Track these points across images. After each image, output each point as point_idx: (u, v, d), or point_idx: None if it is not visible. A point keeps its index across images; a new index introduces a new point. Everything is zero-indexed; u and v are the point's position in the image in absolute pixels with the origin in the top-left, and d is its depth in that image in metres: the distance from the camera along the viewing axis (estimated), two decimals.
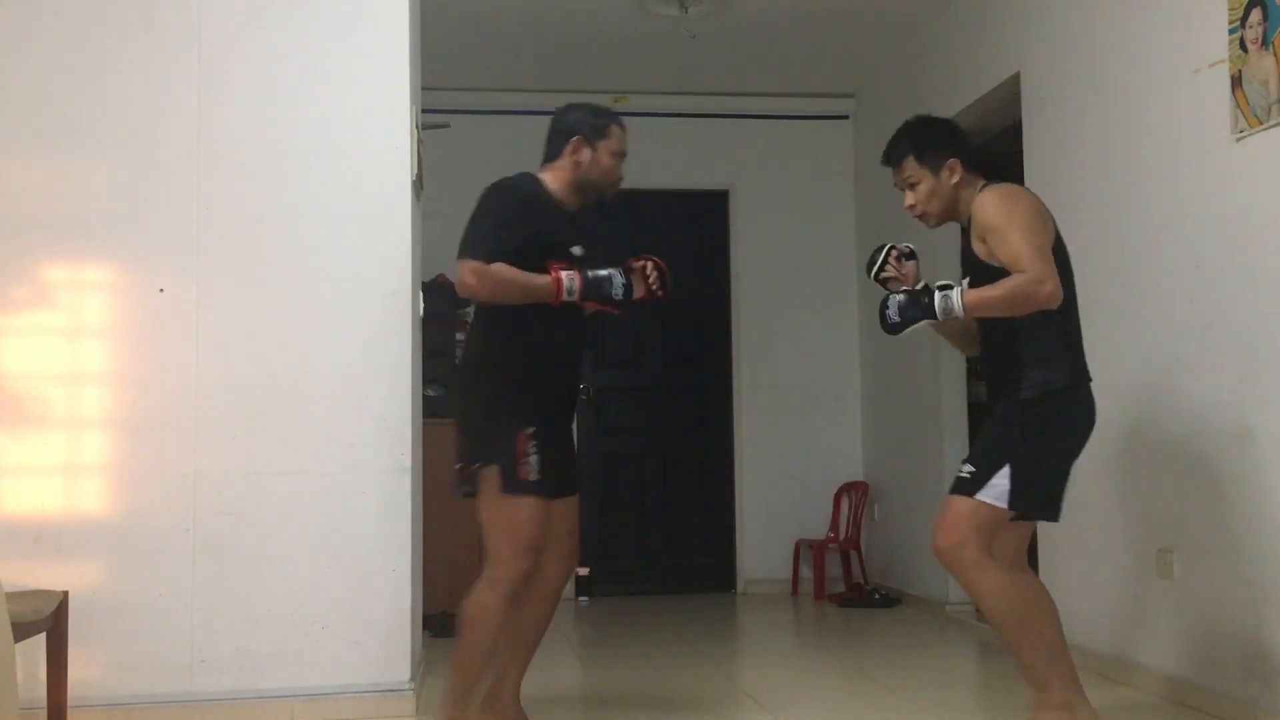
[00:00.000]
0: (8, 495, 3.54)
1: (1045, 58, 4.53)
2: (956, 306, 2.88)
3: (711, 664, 4.54)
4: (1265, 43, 3.22)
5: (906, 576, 5.93)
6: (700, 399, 6.71)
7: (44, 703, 3.22)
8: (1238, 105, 3.33)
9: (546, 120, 6.05)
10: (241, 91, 3.71)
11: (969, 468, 2.90)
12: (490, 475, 2.89)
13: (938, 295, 2.90)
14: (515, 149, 6.50)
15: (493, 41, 5.76)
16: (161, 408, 3.60)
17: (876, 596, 5.89)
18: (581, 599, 6.34)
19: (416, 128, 3.92)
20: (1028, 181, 4.65)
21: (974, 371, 5.96)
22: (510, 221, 2.94)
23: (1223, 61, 3.39)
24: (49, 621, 3.18)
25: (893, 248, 3.14)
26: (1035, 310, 2.84)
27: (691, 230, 6.70)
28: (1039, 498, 2.92)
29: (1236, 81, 3.33)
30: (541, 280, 2.91)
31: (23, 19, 3.64)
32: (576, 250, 3.06)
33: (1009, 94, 4.85)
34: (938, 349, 5.53)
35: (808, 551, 6.34)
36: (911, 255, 3.15)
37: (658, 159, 6.62)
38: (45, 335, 3.62)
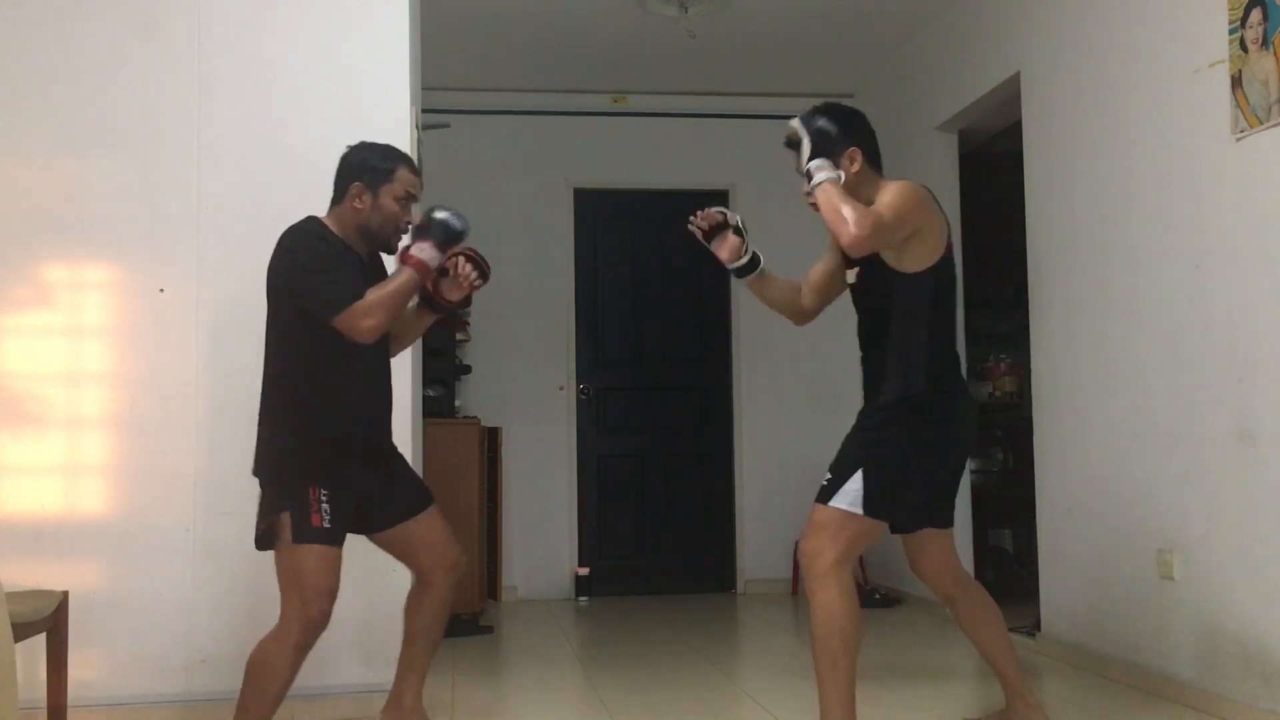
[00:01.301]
0: (8, 495, 3.54)
1: (1045, 58, 4.53)
2: (817, 173, 2.84)
3: (711, 664, 4.54)
4: (1265, 43, 3.22)
5: (906, 576, 5.91)
6: (700, 399, 6.71)
7: (44, 703, 3.22)
8: (1238, 105, 3.33)
9: (547, 120, 6.06)
10: (241, 91, 3.71)
11: (828, 475, 2.88)
12: (283, 523, 2.77)
13: (819, 160, 2.86)
14: (515, 149, 6.59)
15: (493, 41, 5.76)
16: (161, 408, 3.60)
17: (876, 596, 5.89)
18: (581, 599, 6.34)
19: (416, 128, 3.91)
20: (1028, 182, 4.65)
21: (974, 373, 5.97)
22: (335, 262, 2.81)
23: (1223, 61, 3.39)
24: (49, 621, 3.18)
25: (721, 211, 3.18)
26: (834, 236, 2.81)
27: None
28: (893, 504, 2.88)
29: (1236, 81, 3.33)
30: (405, 271, 2.80)
31: (23, 19, 3.64)
32: (404, 241, 2.93)
33: (1009, 94, 4.85)
34: None
35: None
36: (737, 230, 3.17)
37: (658, 159, 6.63)
38: (45, 335, 3.62)
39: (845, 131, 2.97)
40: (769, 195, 6.73)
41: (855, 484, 2.82)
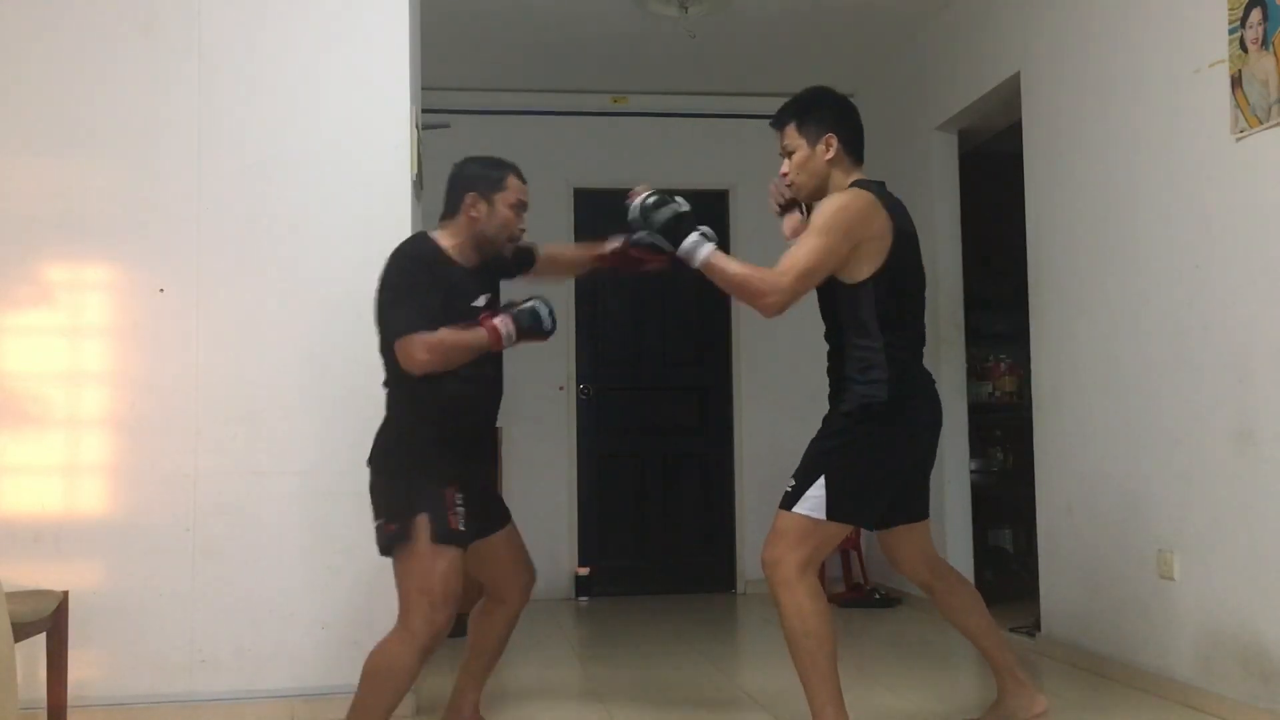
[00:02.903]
0: (8, 495, 3.55)
1: (1045, 58, 4.53)
2: (698, 256, 2.86)
3: (711, 664, 4.54)
4: (1265, 43, 3.22)
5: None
6: (700, 399, 6.70)
7: (44, 703, 3.22)
8: (1238, 105, 3.33)
9: (547, 120, 6.08)
10: (241, 91, 3.71)
11: (791, 481, 2.90)
12: (419, 525, 2.82)
13: (693, 236, 2.87)
14: (515, 149, 6.53)
15: (493, 41, 5.76)
16: (161, 408, 3.60)
17: (876, 596, 5.89)
18: (581, 599, 6.34)
19: (416, 128, 3.92)
20: (1028, 182, 4.65)
21: (974, 373, 5.97)
22: (419, 290, 2.89)
23: (1223, 61, 3.39)
24: (49, 621, 3.18)
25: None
26: (747, 304, 2.86)
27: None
28: (856, 507, 2.90)
29: (1236, 81, 3.33)
30: (481, 334, 2.87)
31: (23, 19, 3.64)
32: (479, 302, 2.99)
33: (1009, 94, 4.85)
34: (938, 350, 5.53)
35: None
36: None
37: (658, 159, 6.62)
38: (45, 335, 3.62)
39: (828, 118, 2.99)
40: (768, 196, 6.72)
41: (818, 490, 2.84)
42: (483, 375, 3.01)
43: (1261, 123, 3.24)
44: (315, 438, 3.64)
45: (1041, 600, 4.54)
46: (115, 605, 3.51)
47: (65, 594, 3.28)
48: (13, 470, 3.56)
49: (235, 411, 3.62)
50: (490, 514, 3.11)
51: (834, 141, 2.97)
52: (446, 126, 5.60)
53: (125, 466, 3.59)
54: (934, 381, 3.07)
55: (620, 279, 6.63)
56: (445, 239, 3.02)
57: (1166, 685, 3.65)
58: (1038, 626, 4.58)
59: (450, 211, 3.05)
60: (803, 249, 2.80)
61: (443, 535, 2.82)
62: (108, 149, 3.65)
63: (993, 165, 5.40)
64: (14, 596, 3.01)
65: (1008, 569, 5.92)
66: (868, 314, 2.88)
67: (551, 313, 2.99)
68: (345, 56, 3.78)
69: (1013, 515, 5.93)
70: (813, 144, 2.98)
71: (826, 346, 3.05)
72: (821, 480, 2.84)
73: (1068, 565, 4.32)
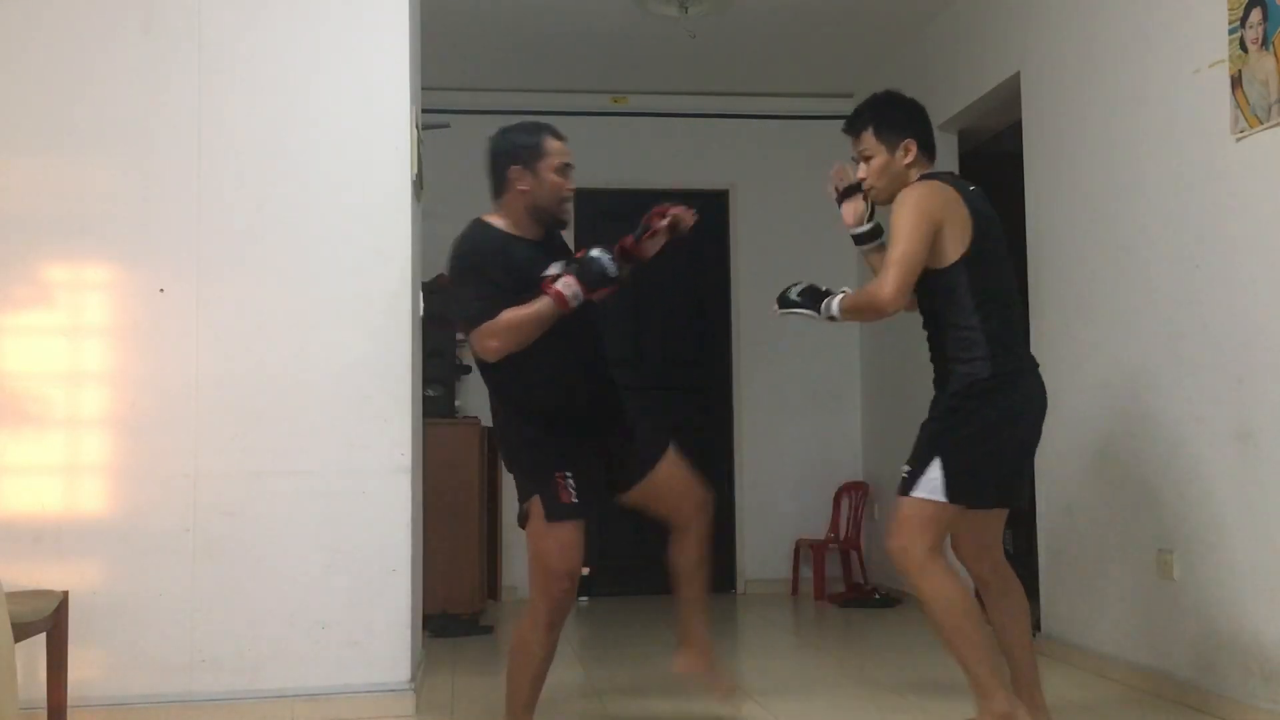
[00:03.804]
0: (8, 495, 3.54)
1: (1045, 58, 4.53)
2: (835, 310, 2.98)
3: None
4: (1265, 43, 3.22)
5: None
6: (700, 399, 6.70)
7: (44, 703, 3.22)
8: (1238, 105, 3.33)
9: (546, 120, 6.03)
10: (241, 91, 3.71)
11: (906, 467, 2.91)
12: (535, 505, 2.95)
13: (824, 301, 3.01)
14: None
15: (493, 41, 5.76)
16: (161, 408, 3.60)
17: (876, 596, 5.89)
18: (581, 599, 6.34)
19: (416, 128, 3.92)
20: (1028, 182, 4.65)
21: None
22: (486, 277, 2.92)
23: (1223, 61, 3.39)
24: (49, 621, 3.18)
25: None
26: (876, 319, 2.95)
27: (692, 230, 6.68)
28: (974, 486, 2.90)
29: (1236, 81, 3.33)
30: (544, 302, 2.88)
31: (23, 19, 3.64)
32: (554, 269, 3.00)
33: (1009, 94, 4.85)
34: None
35: (808, 551, 6.34)
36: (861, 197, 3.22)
37: (658, 159, 6.62)
38: (45, 335, 3.62)
39: (905, 122, 3.05)
40: (769, 195, 6.73)
41: (934, 472, 2.84)
42: (573, 346, 3.02)
43: (1261, 123, 3.24)
44: (315, 438, 3.64)
45: (1041, 600, 4.54)
46: (115, 605, 3.51)
47: (65, 594, 3.28)
48: (13, 470, 3.56)
49: (235, 411, 3.62)
50: (635, 461, 3.14)
51: (913, 146, 3.03)
52: (446, 126, 5.60)
53: (125, 466, 3.59)
54: (1038, 365, 3.05)
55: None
56: (501, 219, 3.05)
57: (1167, 685, 3.65)
58: (1038, 626, 4.57)
59: (498, 190, 3.05)
60: (893, 243, 2.87)
61: (555, 513, 2.92)
62: (108, 149, 3.65)
63: (993, 165, 5.40)
64: (14, 596, 3.00)
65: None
66: (962, 295, 2.91)
67: (614, 258, 2.98)
68: (345, 56, 3.78)
69: (1013, 515, 5.89)
70: (892, 149, 3.02)
71: (927, 336, 3.07)
72: (937, 462, 2.85)
73: (1068, 565, 4.32)
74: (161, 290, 3.63)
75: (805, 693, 3.98)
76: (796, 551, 6.42)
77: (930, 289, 2.95)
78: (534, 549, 2.97)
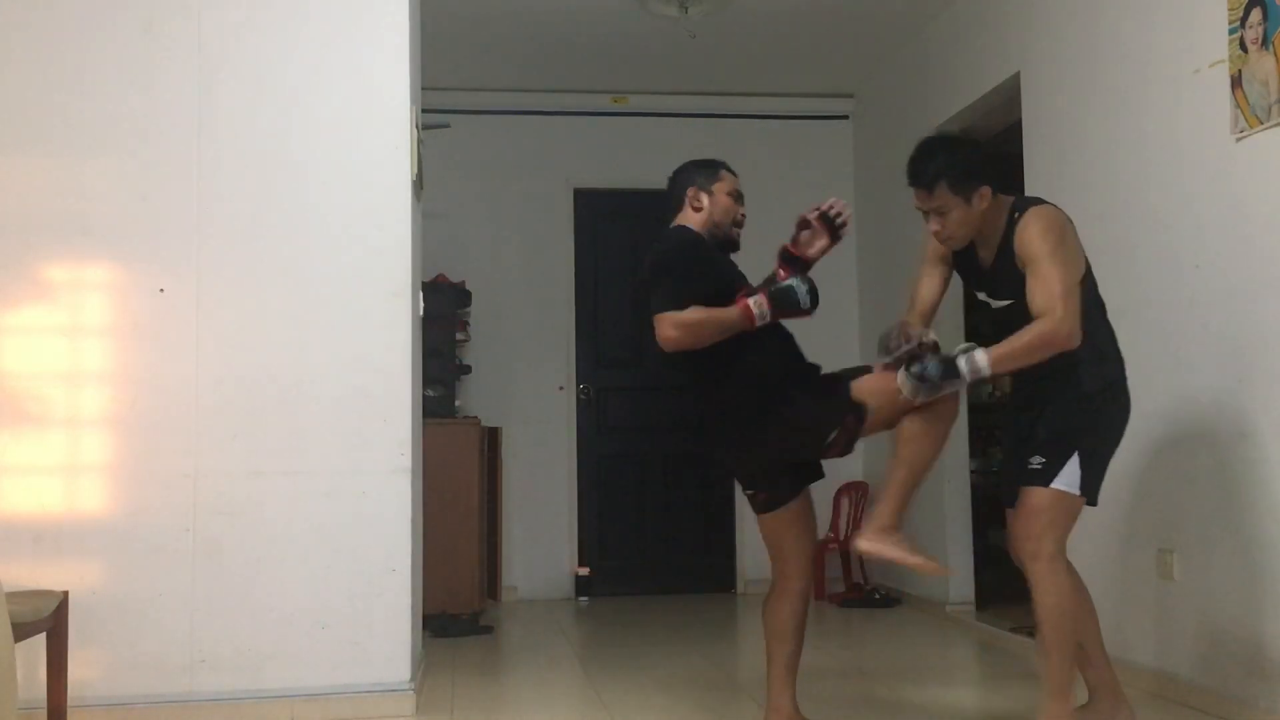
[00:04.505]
0: (8, 495, 3.54)
1: (1045, 58, 4.53)
2: (982, 368, 2.89)
3: (711, 663, 4.54)
4: (1265, 43, 3.22)
5: (906, 576, 5.92)
6: None
7: (44, 703, 3.22)
8: (1238, 105, 3.33)
9: (547, 120, 6.09)
10: (241, 91, 3.71)
11: (1039, 459, 2.92)
12: (756, 499, 3.15)
13: (961, 360, 2.91)
14: (515, 149, 6.58)
15: (493, 41, 5.76)
16: (161, 408, 3.60)
17: (876, 596, 5.89)
18: (581, 599, 6.34)
19: (416, 128, 3.91)
20: (1028, 181, 4.65)
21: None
22: (691, 271, 3.04)
23: (1223, 61, 3.39)
24: (49, 621, 3.18)
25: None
26: (1054, 353, 2.87)
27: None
28: (1099, 482, 2.97)
29: (1236, 81, 3.33)
30: (733, 312, 2.98)
31: (23, 18, 3.64)
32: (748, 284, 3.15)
33: (1009, 94, 4.84)
34: None
35: None
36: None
37: (658, 159, 6.59)
38: (45, 335, 3.62)
39: (978, 169, 2.99)
40: (768, 196, 6.72)
41: (1073, 466, 2.89)
42: (772, 346, 3.12)
43: (1261, 123, 3.24)
44: (315, 438, 3.64)
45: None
46: (115, 605, 3.51)
47: (65, 594, 3.28)
48: (13, 470, 3.56)
49: (235, 411, 3.62)
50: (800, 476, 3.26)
51: (988, 193, 2.98)
52: (447, 126, 5.60)
53: (125, 466, 3.59)
54: None
55: (618, 277, 6.65)
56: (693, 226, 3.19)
57: (1166, 685, 3.65)
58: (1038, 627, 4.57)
59: (675, 208, 3.24)
60: (1040, 278, 2.86)
61: (762, 505, 3.13)
62: (108, 149, 3.65)
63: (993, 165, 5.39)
64: (14, 596, 3.00)
65: (1008, 569, 5.91)
66: (1089, 306, 2.94)
67: (811, 290, 3.05)
68: (345, 56, 3.78)
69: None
70: (968, 200, 2.96)
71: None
72: (1075, 457, 2.89)
73: None
74: (161, 290, 3.63)
75: (805, 693, 3.98)
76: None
77: None
78: (764, 532, 3.22)
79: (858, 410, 2.95)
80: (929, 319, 3.24)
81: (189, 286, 3.64)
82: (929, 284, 3.24)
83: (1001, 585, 5.48)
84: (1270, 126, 3.20)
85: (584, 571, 6.40)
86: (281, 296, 3.68)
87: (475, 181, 6.41)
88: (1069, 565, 2.95)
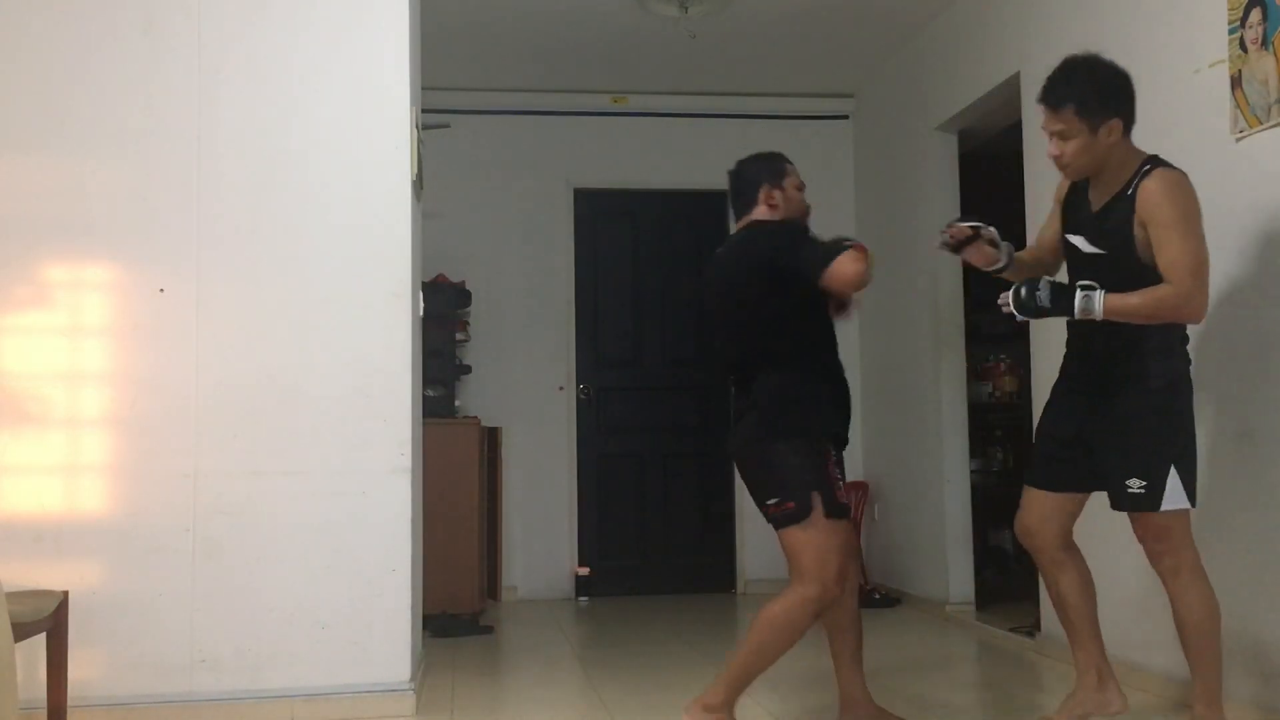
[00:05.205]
0: (8, 495, 3.55)
1: (1045, 58, 4.50)
2: (1096, 310, 2.80)
3: (711, 664, 4.54)
4: (1265, 43, 3.22)
5: (906, 576, 5.93)
6: (700, 399, 6.70)
7: (44, 703, 3.22)
8: (1238, 105, 3.33)
9: (547, 120, 6.08)
10: (241, 92, 3.71)
11: (1139, 482, 2.85)
12: (814, 501, 3.00)
13: (1079, 295, 2.81)
14: (515, 149, 6.58)
15: (493, 41, 5.76)
16: (161, 408, 3.60)
17: (876, 596, 5.89)
18: (581, 599, 6.34)
19: (416, 128, 3.91)
20: (1027, 182, 4.65)
21: (974, 373, 5.95)
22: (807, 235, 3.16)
23: (1223, 61, 3.39)
24: (49, 621, 3.18)
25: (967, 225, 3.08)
26: (1174, 322, 2.82)
27: (691, 230, 6.69)
28: (1195, 484, 2.90)
29: (1236, 81, 3.33)
30: (857, 247, 3.04)
31: (22, 18, 3.64)
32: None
33: (1009, 94, 4.84)
34: (938, 349, 5.53)
35: None
36: (976, 235, 3.08)
37: (658, 159, 6.62)
38: (45, 335, 3.62)
39: (1113, 100, 2.85)
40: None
41: (1174, 480, 2.84)
42: (835, 348, 3.22)
43: (1261, 123, 3.24)
44: (315, 438, 3.64)
45: (1041, 600, 4.53)
46: (115, 605, 3.51)
47: (65, 594, 3.28)
48: (13, 470, 3.56)
49: (235, 411, 3.62)
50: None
51: (1118, 127, 2.85)
52: (447, 126, 5.60)
53: (125, 466, 3.59)
54: None
55: (618, 277, 6.65)
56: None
57: (1167, 685, 3.65)
58: (1038, 626, 4.58)
59: (748, 207, 3.30)
60: (1176, 246, 2.75)
61: (833, 510, 3.02)
62: (108, 149, 3.65)
63: (993, 165, 5.40)
64: (14, 596, 3.00)
65: (1008, 569, 5.92)
66: None
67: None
68: (345, 57, 3.78)
69: (1013, 515, 5.92)
70: (1094, 129, 2.82)
71: (1092, 328, 2.94)
72: (1173, 470, 2.83)
73: None
74: (161, 290, 3.63)
75: (805, 693, 3.98)
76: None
77: (1136, 282, 2.82)
78: (818, 541, 3.00)
79: (807, 506, 2.99)
80: (1045, 260, 3.19)
81: (189, 286, 3.64)
82: (1052, 226, 3.18)
83: (1001, 585, 5.48)
84: (1270, 126, 3.20)
85: (584, 571, 6.40)
86: (281, 296, 3.68)
87: (475, 181, 6.41)
88: (1077, 550, 3.00)
